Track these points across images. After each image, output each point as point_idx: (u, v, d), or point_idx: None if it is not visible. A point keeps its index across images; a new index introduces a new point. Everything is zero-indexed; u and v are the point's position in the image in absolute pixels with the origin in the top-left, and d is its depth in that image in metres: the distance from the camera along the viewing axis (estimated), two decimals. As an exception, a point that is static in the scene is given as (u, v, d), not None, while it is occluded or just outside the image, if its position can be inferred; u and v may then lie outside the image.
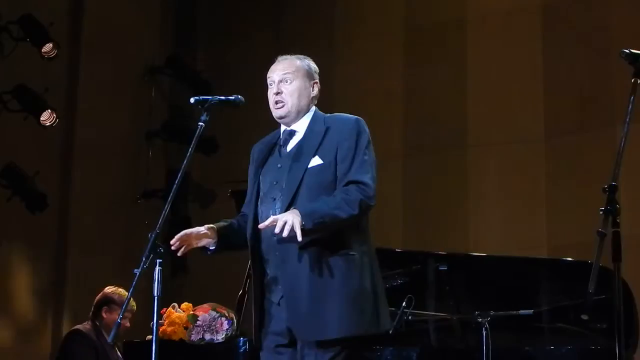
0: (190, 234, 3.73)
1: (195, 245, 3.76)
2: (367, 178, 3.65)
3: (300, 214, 3.50)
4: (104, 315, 6.10)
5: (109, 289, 6.18)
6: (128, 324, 5.93)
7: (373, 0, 9.19)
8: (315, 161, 3.69)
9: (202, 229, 3.76)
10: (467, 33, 8.78)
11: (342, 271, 3.59)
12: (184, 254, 3.76)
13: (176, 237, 3.70)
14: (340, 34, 9.19)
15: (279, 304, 3.66)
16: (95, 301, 6.18)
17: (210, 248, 3.80)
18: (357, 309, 3.58)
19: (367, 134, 3.76)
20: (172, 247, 3.70)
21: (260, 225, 3.59)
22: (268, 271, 3.70)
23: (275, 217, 3.54)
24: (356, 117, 3.81)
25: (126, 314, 5.76)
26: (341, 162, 3.67)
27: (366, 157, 3.70)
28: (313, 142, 3.73)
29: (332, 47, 9.06)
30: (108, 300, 6.12)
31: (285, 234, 3.46)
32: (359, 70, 9.04)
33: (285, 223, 3.46)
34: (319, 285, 3.57)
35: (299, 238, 3.47)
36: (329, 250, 3.60)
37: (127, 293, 5.99)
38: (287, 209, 3.62)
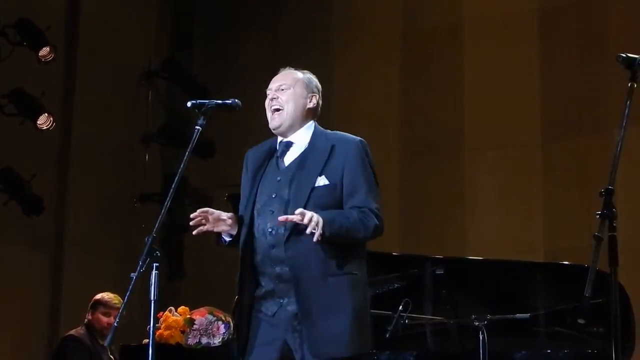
0: (212, 213, 3.67)
1: (211, 229, 3.69)
2: (377, 206, 3.66)
3: (322, 219, 3.49)
4: (89, 317, 6.13)
5: (98, 295, 6.22)
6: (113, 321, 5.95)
7: (370, 3, 9.18)
8: (322, 181, 3.65)
9: (223, 214, 3.70)
10: (463, 36, 8.78)
11: (346, 290, 3.57)
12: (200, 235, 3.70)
13: (198, 211, 3.65)
14: (338, 37, 9.18)
15: (273, 316, 3.62)
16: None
17: (226, 239, 3.74)
18: (361, 327, 3.58)
19: (370, 156, 3.75)
20: (191, 223, 3.65)
21: (281, 218, 3.51)
22: (262, 284, 3.65)
23: (303, 210, 3.48)
24: (360, 138, 3.78)
25: (114, 313, 5.88)
26: (349, 186, 3.65)
27: (374, 185, 3.70)
28: (318, 159, 3.69)
29: (330, 50, 9.05)
30: (95, 304, 6.17)
31: (309, 230, 3.44)
32: (356, 73, 9.04)
33: (311, 218, 3.45)
34: (322, 302, 3.54)
35: (316, 238, 3.45)
36: (331, 268, 3.57)
37: (116, 296, 6.07)
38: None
